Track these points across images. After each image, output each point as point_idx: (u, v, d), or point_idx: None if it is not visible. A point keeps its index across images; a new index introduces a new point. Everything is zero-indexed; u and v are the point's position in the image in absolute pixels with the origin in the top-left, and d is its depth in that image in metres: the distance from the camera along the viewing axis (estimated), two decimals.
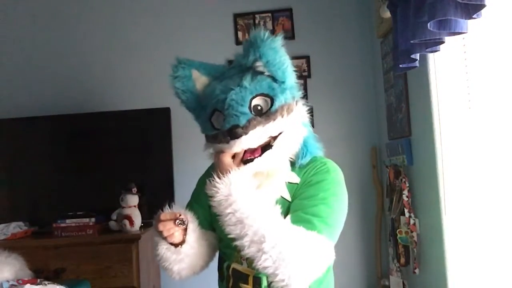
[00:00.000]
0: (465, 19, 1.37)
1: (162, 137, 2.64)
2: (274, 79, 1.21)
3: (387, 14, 2.05)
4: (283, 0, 2.88)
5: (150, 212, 2.53)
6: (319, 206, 1.20)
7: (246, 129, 1.16)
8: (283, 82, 1.21)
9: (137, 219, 2.42)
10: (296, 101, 1.25)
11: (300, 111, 1.26)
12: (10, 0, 2.97)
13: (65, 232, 2.40)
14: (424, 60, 1.86)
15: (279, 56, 1.19)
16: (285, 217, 1.18)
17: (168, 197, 2.54)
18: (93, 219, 2.43)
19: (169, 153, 2.64)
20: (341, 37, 2.86)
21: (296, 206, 1.22)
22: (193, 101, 1.32)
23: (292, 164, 1.29)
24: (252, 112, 1.18)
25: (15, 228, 2.47)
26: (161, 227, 1.22)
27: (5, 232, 2.42)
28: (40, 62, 2.94)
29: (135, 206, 2.44)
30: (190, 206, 1.43)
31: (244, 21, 2.89)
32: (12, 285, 1.59)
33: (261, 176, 1.23)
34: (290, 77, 1.23)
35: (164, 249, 1.29)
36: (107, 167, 2.67)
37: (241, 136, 1.15)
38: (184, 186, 2.70)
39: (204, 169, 1.54)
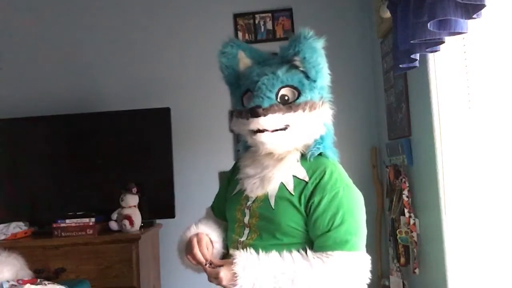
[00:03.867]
0: (465, 19, 1.37)
1: (162, 137, 2.64)
2: (307, 76, 1.29)
3: (387, 14, 2.05)
4: (283, 0, 2.88)
5: (150, 212, 2.57)
6: (345, 224, 1.25)
7: (266, 111, 1.25)
8: (314, 81, 1.30)
9: (137, 219, 2.42)
10: (323, 102, 1.33)
11: (325, 112, 1.34)
12: (10, 1, 2.98)
13: (65, 232, 2.39)
14: (424, 60, 1.86)
15: (316, 56, 1.27)
16: (282, 206, 1.28)
17: (168, 197, 2.58)
18: (93, 219, 2.42)
19: (169, 153, 2.64)
20: (341, 37, 2.86)
21: (323, 228, 1.26)
22: (233, 77, 1.42)
23: (304, 157, 1.34)
24: (278, 100, 1.28)
25: (15, 228, 2.47)
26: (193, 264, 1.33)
27: (5, 232, 2.42)
28: (40, 62, 2.94)
29: (135, 206, 2.44)
30: (214, 199, 1.58)
31: (244, 21, 2.89)
32: (12, 285, 1.59)
33: (270, 159, 1.32)
34: (322, 78, 1.31)
35: (193, 266, 1.37)
36: (107, 167, 2.66)
37: (260, 116, 1.25)
38: (184, 186, 2.73)
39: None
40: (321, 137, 1.35)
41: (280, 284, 1.20)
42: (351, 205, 1.29)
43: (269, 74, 1.29)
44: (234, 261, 1.22)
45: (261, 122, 1.26)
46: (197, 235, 1.34)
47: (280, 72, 1.29)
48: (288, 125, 1.28)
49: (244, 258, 1.23)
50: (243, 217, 1.35)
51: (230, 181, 1.50)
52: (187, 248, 1.34)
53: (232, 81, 1.43)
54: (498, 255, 1.75)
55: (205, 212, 1.57)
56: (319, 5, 2.88)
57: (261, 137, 1.28)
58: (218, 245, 1.37)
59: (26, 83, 2.93)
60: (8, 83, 2.93)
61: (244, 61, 1.41)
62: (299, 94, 1.28)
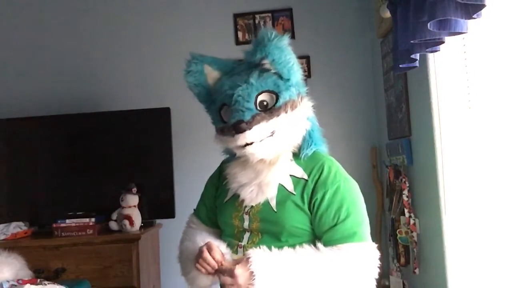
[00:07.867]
0: (465, 19, 1.37)
1: (162, 137, 2.63)
2: (280, 76, 1.27)
3: (387, 14, 2.05)
4: (283, 0, 2.88)
5: (150, 212, 2.57)
6: (350, 217, 1.28)
7: (250, 124, 1.23)
8: (288, 80, 1.28)
9: (137, 219, 2.42)
10: (301, 97, 1.32)
11: (305, 106, 1.32)
12: (10, 1, 2.98)
13: (65, 232, 2.39)
14: (424, 60, 1.86)
15: (285, 55, 1.25)
16: (285, 204, 1.27)
17: (168, 197, 2.58)
18: (93, 219, 2.42)
19: (169, 153, 2.64)
20: (341, 37, 2.86)
21: (329, 223, 1.27)
22: (205, 94, 1.39)
23: (296, 155, 1.34)
24: (258, 108, 1.25)
25: (15, 228, 2.47)
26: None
27: (5, 232, 2.42)
28: (40, 62, 2.94)
29: (135, 206, 2.44)
30: (198, 207, 1.52)
31: (244, 21, 2.89)
32: (12, 285, 1.59)
33: (263, 164, 1.29)
34: (295, 75, 1.29)
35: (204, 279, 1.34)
36: (107, 167, 2.66)
37: (245, 130, 1.22)
38: (184, 186, 2.72)
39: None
40: (309, 133, 1.34)
41: (296, 277, 1.19)
42: (354, 197, 1.30)
43: (242, 84, 1.26)
44: (250, 259, 1.19)
45: (248, 136, 1.23)
46: (206, 244, 1.29)
47: (253, 79, 1.26)
48: (274, 131, 1.26)
49: (258, 256, 1.20)
50: (242, 223, 1.33)
51: (218, 187, 1.46)
52: (197, 257, 1.29)
53: (205, 98, 1.39)
54: (498, 255, 1.75)
55: (189, 222, 1.51)
56: (319, 5, 2.88)
57: (250, 149, 1.25)
58: (228, 256, 1.32)
59: (26, 83, 2.92)
60: (8, 83, 2.93)
61: (212, 74, 1.37)
62: (277, 97, 1.26)
